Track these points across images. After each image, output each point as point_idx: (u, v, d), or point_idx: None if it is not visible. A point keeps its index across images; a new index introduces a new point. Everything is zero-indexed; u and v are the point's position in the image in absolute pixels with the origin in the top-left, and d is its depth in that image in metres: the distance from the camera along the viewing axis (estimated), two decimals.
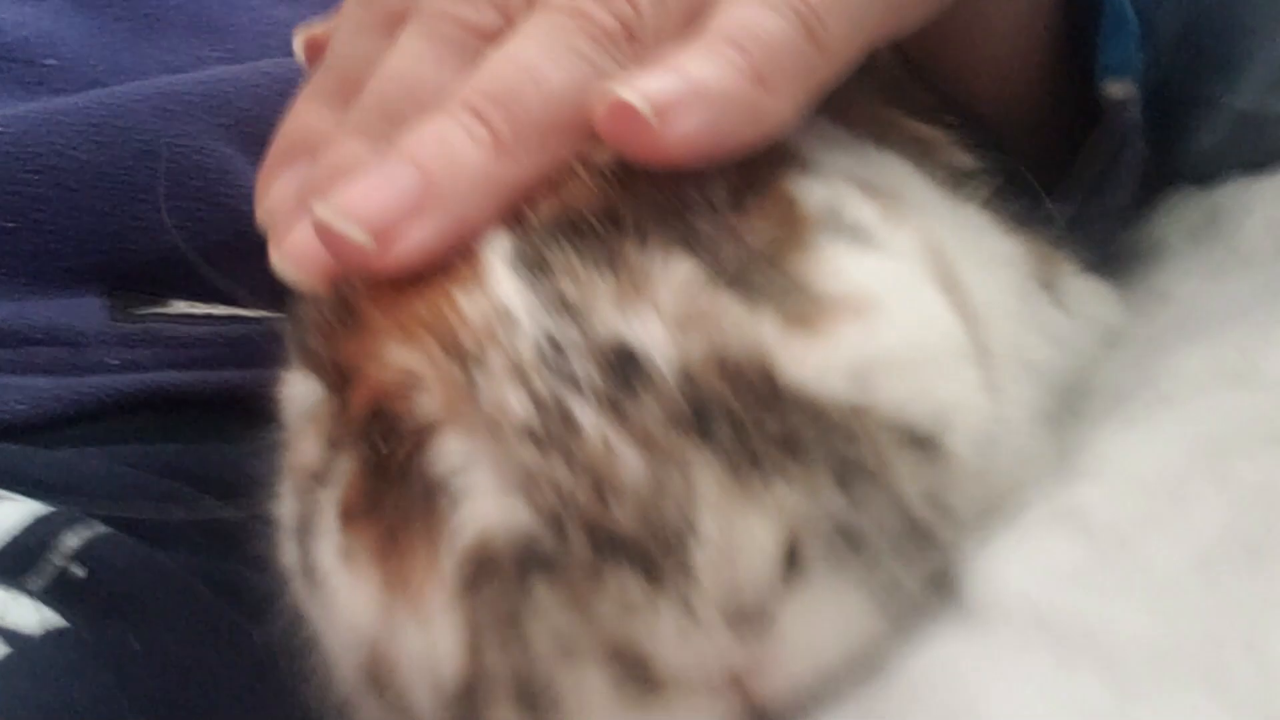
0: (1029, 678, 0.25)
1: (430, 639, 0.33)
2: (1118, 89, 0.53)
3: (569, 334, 0.31)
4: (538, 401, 0.30)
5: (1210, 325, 0.44)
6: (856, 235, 0.36)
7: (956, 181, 0.46)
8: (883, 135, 0.45)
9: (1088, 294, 0.49)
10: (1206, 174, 0.66)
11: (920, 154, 0.46)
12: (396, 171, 0.34)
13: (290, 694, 0.40)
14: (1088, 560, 0.29)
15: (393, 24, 0.41)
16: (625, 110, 0.33)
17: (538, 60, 0.35)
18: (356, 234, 0.33)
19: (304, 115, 0.44)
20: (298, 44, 0.50)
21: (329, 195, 0.34)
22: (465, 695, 0.32)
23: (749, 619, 0.30)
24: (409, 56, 0.39)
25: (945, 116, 0.51)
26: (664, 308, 0.31)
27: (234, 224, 0.61)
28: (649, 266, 0.32)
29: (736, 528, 0.29)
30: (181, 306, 0.60)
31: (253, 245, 0.61)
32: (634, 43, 0.36)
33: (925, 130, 0.49)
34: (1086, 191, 0.56)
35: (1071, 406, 0.42)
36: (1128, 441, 0.36)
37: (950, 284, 0.37)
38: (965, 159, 0.48)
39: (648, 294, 0.32)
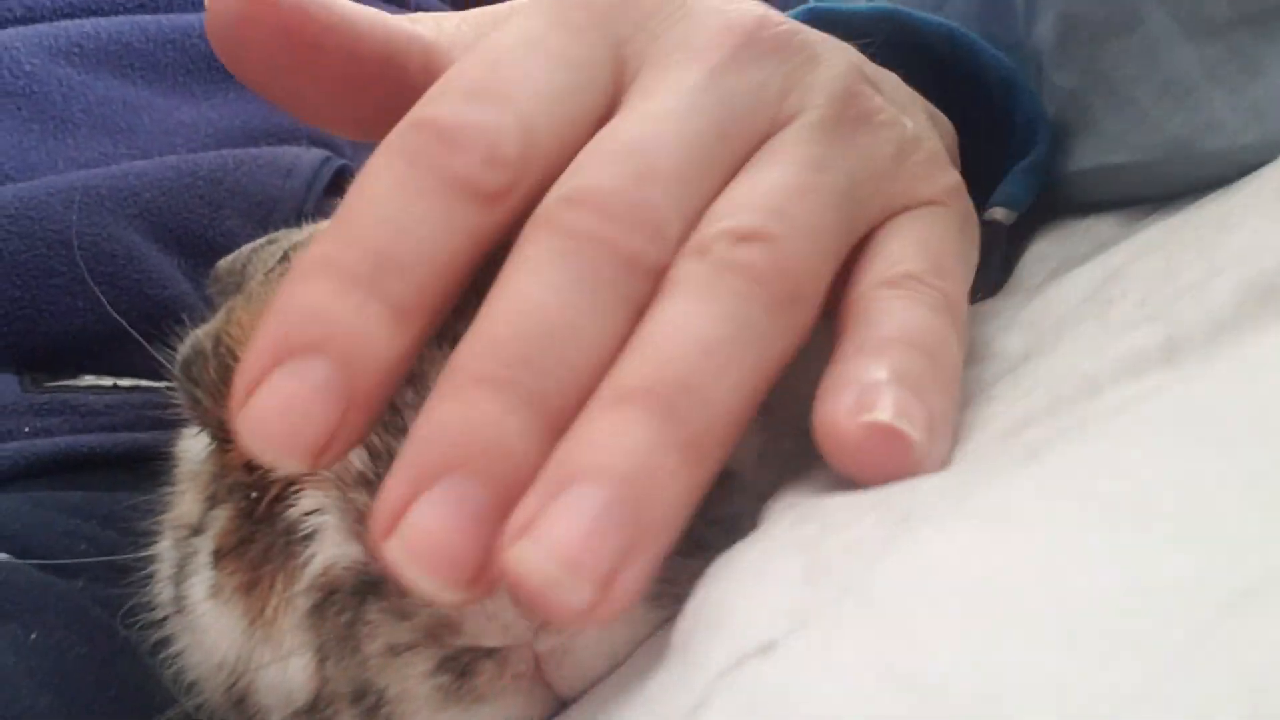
0: (773, 537, 0.32)
1: (283, 659, 0.38)
2: (1004, 215, 0.60)
3: (404, 395, 0.36)
4: (374, 453, 0.36)
5: (969, 331, 0.52)
6: None
7: None
8: None
9: None
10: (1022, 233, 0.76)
11: None
12: (598, 501, 0.28)
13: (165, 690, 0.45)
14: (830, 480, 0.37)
15: (460, 195, 0.32)
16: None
17: (715, 338, 0.31)
18: (581, 590, 0.27)
19: (315, 296, 0.30)
20: None
21: (523, 528, 0.28)
22: (312, 710, 0.38)
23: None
24: (547, 287, 0.31)
25: None
26: None
27: (139, 305, 0.67)
28: None
29: None
30: (89, 379, 0.66)
31: (155, 323, 0.67)
32: (798, 307, 0.34)
33: None
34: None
35: None
36: None
37: None
38: None
39: None
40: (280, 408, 0.29)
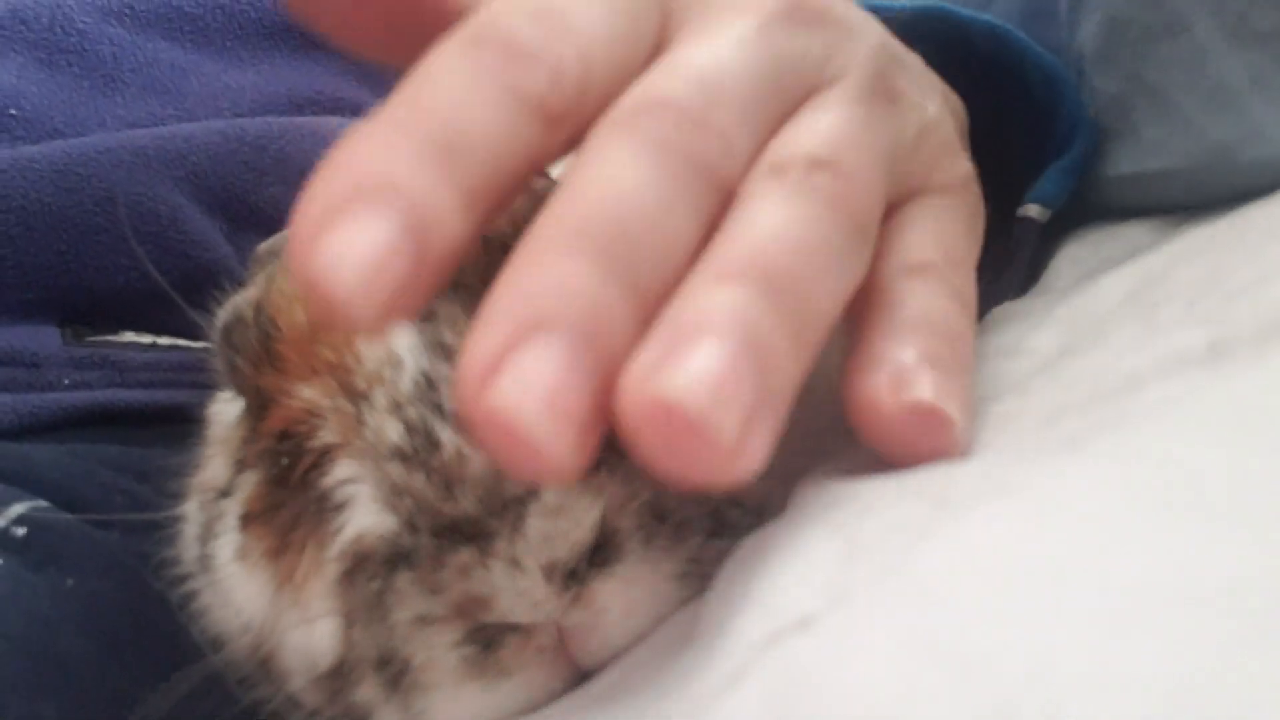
0: (807, 517, 0.32)
1: (309, 624, 0.39)
2: (1038, 212, 0.60)
3: (441, 370, 0.38)
4: (410, 427, 0.37)
5: (1003, 327, 0.53)
6: None
7: None
8: None
9: None
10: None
11: None
12: (727, 350, 0.27)
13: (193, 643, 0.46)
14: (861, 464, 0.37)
15: (525, 108, 0.30)
16: None
17: (811, 240, 0.31)
18: (730, 423, 0.27)
19: (376, 153, 0.28)
20: None
21: (653, 367, 0.26)
22: (336, 674, 0.38)
23: (567, 576, 0.36)
24: (628, 175, 0.29)
25: None
26: None
27: (181, 266, 0.67)
28: None
29: (569, 497, 0.36)
30: (129, 336, 0.67)
31: (196, 285, 0.68)
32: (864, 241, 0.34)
33: None
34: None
35: None
36: None
37: None
38: None
39: None
40: (359, 253, 0.27)
